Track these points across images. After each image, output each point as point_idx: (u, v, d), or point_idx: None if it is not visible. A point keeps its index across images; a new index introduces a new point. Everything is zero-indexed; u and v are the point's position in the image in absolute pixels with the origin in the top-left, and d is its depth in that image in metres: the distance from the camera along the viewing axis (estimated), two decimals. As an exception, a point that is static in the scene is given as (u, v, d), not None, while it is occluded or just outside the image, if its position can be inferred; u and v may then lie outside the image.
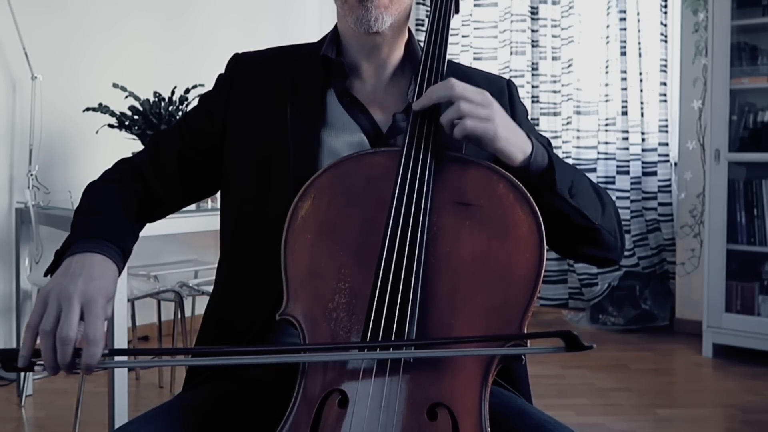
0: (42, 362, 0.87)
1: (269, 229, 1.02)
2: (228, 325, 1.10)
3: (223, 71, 1.19)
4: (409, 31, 1.17)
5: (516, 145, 0.99)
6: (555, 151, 1.07)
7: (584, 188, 1.06)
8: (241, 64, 1.17)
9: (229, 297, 1.13)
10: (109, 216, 1.06)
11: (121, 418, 2.30)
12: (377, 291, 0.90)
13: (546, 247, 0.94)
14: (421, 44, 1.10)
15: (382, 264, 0.91)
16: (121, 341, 2.34)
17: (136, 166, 1.16)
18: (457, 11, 1.13)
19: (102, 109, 2.80)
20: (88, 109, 2.87)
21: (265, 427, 0.95)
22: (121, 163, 1.19)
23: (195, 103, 1.36)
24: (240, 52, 1.20)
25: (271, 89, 1.13)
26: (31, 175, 3.05)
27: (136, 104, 2.82)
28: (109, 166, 1.20)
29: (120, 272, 1.00)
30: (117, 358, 0.94)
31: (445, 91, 0.97)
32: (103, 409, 2.43)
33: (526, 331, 0.90)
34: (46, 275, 1.01)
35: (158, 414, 0.99)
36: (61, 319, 0.87)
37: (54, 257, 1.00)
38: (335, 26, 1.17)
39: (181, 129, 1.19)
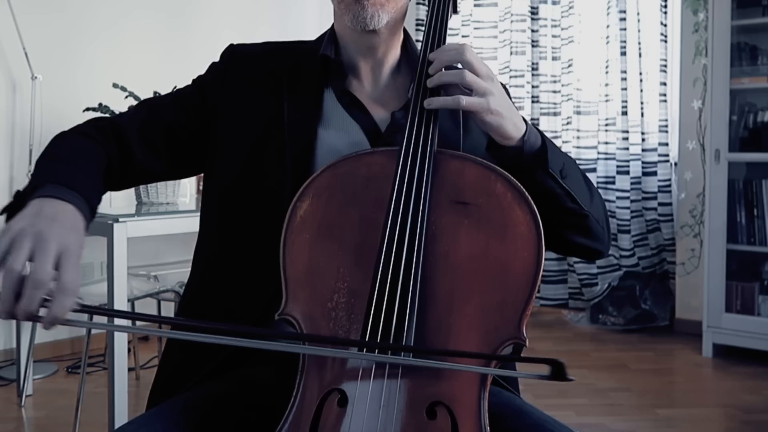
0: None
1: (262, 224, 1.02)
2: (214, 319, 1.09)
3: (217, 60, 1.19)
4: (406, 31, 1.18)
5: (510, 121, 1.01)
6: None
7: (575, 174, 1.08)
8: (237, 53, 1.17)
9: (214, 291, 1.12)
10: (82, 169, 1.00)
11: (121, 418, 2.30)
12: (376, 290, 0.90)
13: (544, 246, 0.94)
14: (419, 45, 1.11)
15: (381, 263, 0.91)
16: (121, 341, 2.34)
17: (119, 128, 1.09)
18: (455, 12, 1.13)
19: (102, 109, 2.80)
20: (88, 109, 2.87)
21: (265, 426, 0.95)
22: (100, 121, 1.12)
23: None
24: (235, 43, 1.20)
25: (266, 82, 1.13)
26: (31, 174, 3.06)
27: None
28: None
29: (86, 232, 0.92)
30: (77, 316, 0.85)
31: (456, 55, 1.00)
32: (103, 409, 2.43)
33: (525, 331, 0.90)
34: (1, 213, 0.94)
35: (158, 414, 0.99)
36: (35, 261, 0.79)
37: (14, 196, 0.93)
38: (332, 26, 1.17)
39: (173, 104, 1.15)
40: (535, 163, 1.02)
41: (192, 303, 1.15)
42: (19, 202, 0.91)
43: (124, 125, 1.11)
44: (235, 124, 1.12)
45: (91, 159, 1.04)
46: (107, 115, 2.77)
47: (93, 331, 2.67)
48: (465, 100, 0.98)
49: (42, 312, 0.79)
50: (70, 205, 0.90)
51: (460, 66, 1.01)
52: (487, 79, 1.00)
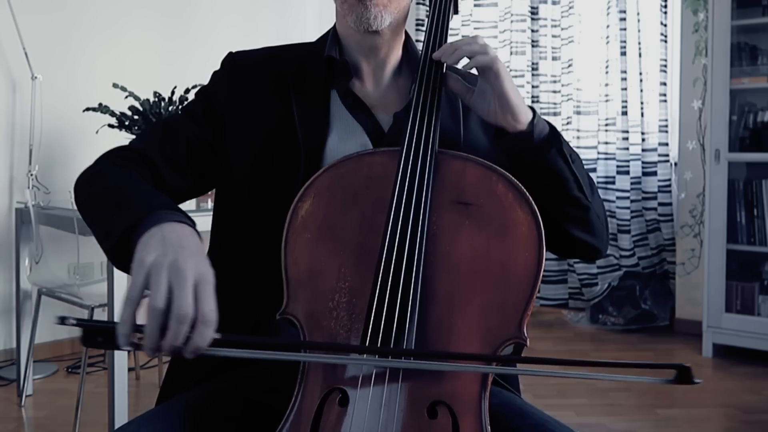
0: (138, 341, 0.78)
1: (272, 226, 1.02)
2: (220, 320, 1.09)
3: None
4: (406, 32, 1.18)
5: (515, 95, 1.02)
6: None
7: (580, 163, 1.09)
8: (238, 61, 1.17)
9: (223, 293, 1.12)
10: (159, 192, 0.98)
11: (121, 418, 2.30)
12: (377, 290, 0.90)
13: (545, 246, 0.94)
14: (420, 45, 1.11)
15: (382, 263, 0.91)
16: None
17: (143, 155, 1.08)
18: (456, 12, 1.14)
19: (102, 109, 2.80)
20: (88, 109, 2.87)
21: (266, 426, 0.95)
22: (123, 151, 1.10)
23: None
24: (234, 51, 1.19)
25: (272, 86, 1.13)
26: (31, 175, 3.06)
27: (136, 104, 2.82)
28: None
29: None
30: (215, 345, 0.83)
31: (471, 45, 1.01)
32: (103, 409, 2.43)
33: (526, 331, 0.90)
34: (114, 250, 0.90)
35: (158, 414, 0.99)
36: (175, 294, 0.78)
37: (113, 234, 0.90)
38: (334, 26, 1.17)
39: (186, 120, 1.14)
40: (549, 143, 1.03)
41: None
42: (124, 239, 0.89)
43: (147, 150, 1.08)
44: (244, 129, 1.11)
45: (149, 183, 1.02)
46: (109, 115, 2.78)
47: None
48: (479, 57, 0.99)
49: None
50: (188, 227, 0.88)
51: (466, 61, 1.02)
52: (490, 49, 1.01)
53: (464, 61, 1.02)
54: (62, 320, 0.80)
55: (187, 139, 1.11)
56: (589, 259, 1.17)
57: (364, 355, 0.88)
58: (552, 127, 1.06)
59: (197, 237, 0.88)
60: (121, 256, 0.90)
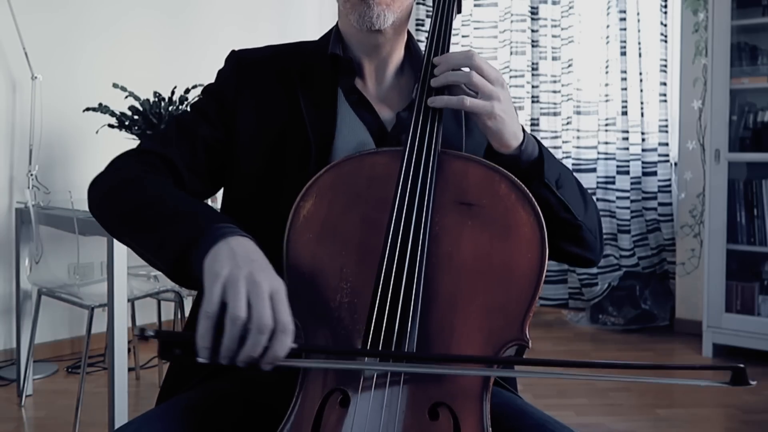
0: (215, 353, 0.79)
1: (282, 222, 1.01)
2: None
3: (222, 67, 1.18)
4: (408, 32, 1.18)
5: (510, 129, 1.01)
6: (555, 151, 1.09)
7: (570, 184, 1.08)
8: (243, 58, 1.16)
9: None
10: (206, 204, 0.98)
11: (121, 418, 2.30)
12: (379, 290, 0.90)
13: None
14: (422, 44, 1.10)
15: (384, 263, 0.91)
16: (121, 341, 2.34)
17: (165, 159, 1.07)
18: (459, 11, 1.13)
19: (102, 109, 2.80)
20: (88, 109, 2.87)
21: (266, 426, 0.95)
22: (143, 155, 1.08)
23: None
24: (237, 49, 1.19)
25: (279, 83, 1.12)
26: (31, 175, 3.06)
27: (136, 104, 2.82)
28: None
29: None
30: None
31: (464, 59, 1.00)
32: (103, 409, 2.43)
33: (528, 332, 0.90)
34: (179, 270, 0.90)
35: (158, 414, 0.99)
36: (254, 306, 0.80)
37: (171, 252, 0.89)
38: (337, 24, 1.17)
39: (200, 119, 1.12)
40: (531, 173, 1.02)
41: None
42: (182, 257, 0.89)
43: (168, 154, 1.08)
44: (253, 126, 1.11)
45: (188, 194, 1.02)
46: (109, 115, 2.78)
47: (94, 330, 2.66)
48: (469, 101, 0.98)
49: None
50: (250, 240, 0.89)
51: (467, 69, 1.00)
52: (496, 83, 0.99)
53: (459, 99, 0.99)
54: (141, 332, 0.82)
55: (204, 140, 1.11)
56: (582, 267, 1.17)
57: (365, 359, 0.88)
58: (540, 151, 1.04)
59: (260, 249, 0.89)
60: (178, 270, 0.91)
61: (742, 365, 0.80)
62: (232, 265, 0.83)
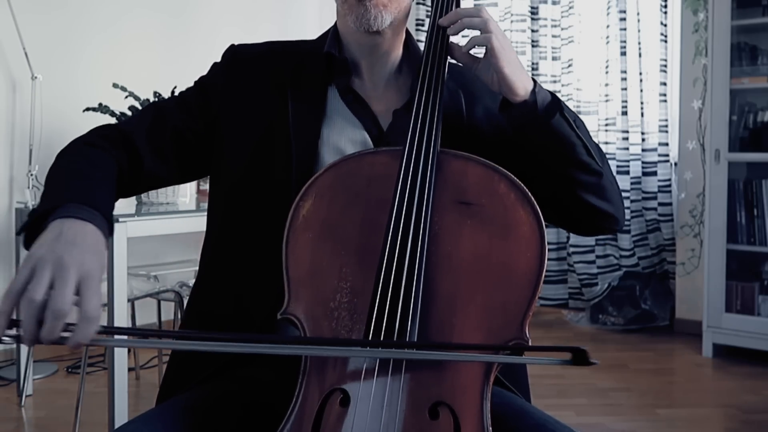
0: (17, 333, 0.79)
1: (268, 222, 1.02)
2: (220, 319, 1.10)
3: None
4: (407, 31, 1.18)
5: (516, 66, 1.02)
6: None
7: (586, 131, 1.08)
8: (239, 54, 1.17)
9: (222, 290, 1.12)
10: (98, 183, 0.99)
11: (121, 418, 2.30)
12: (379, 290, 0.90)
13: (547, 247, 0.94)
14: (421, 44, 1.11)
15: (384, 263, 0.91)
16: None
17: (126, 135, 1.09)
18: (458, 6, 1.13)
19: (102, 109, 2.80)
20: (88, 109, 2.87)
21: (266, 426, 0.95)
22: (106, 129, 1.11)
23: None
24: (236, 43, 1.20)
25: (270, 81, 1.13)
26: (31, 175, 3.05)
27: (136, 104, 2.82)
28: None
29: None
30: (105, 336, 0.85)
31: (472, 18, 1.02)
32: (103, 409, 2.43)
33: (527, 331, 0.90)
34: (19, 234, 0.93)
35: (158, 414, 0.99)
36: (55, 289, 0.79)
37: (32, 216, 0.91)
38: (335, 24, 1.17)
39: (178, 107, 1.14)
40: (550, 112, 1.03)
41: (200, 302, 1.15)
42: (37, 222, 0.90)
43: (132, 132, 1.10)
44: (240, 123, 1.12)
45: (105, 170, 1.03)
46: (109, 115, 2.78)
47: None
48: (476, 38, 1.01)
49: (66, 334, 0.79)
50: (90, 225, 0.89)
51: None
52: (505, 37, 1.02)
53: (465, 39, 1.04)
54: None
55: (174, 127, 1.12)
56: (609, 230, 1.14)
57: (367, 348, 0.88)
58: (553, 95, 1.06)
59: (99, 235, 0.89)
60: (30, 241, 0.91)
61: (584, 348, 0.81)
62: (48, 248, 0.82)
